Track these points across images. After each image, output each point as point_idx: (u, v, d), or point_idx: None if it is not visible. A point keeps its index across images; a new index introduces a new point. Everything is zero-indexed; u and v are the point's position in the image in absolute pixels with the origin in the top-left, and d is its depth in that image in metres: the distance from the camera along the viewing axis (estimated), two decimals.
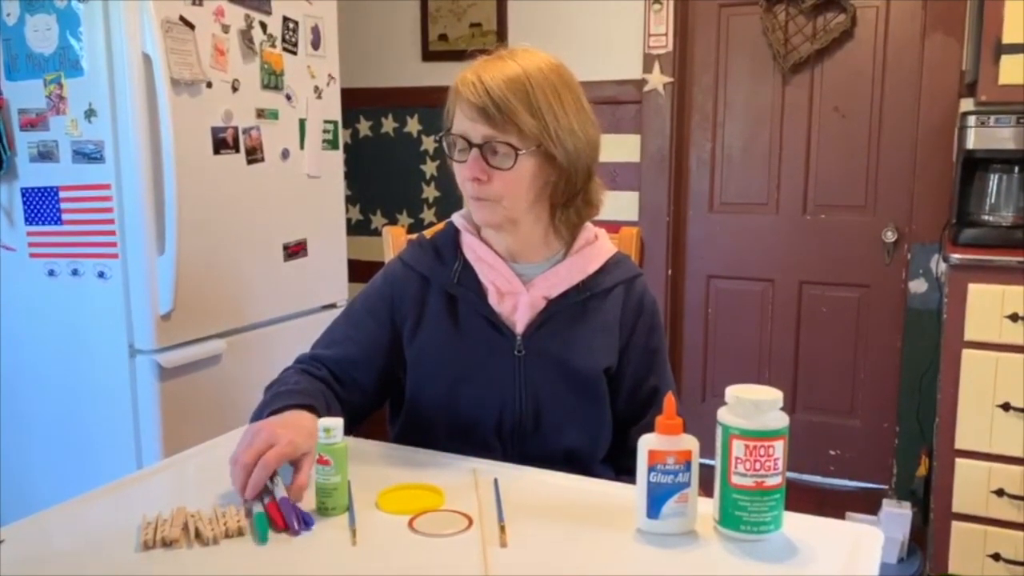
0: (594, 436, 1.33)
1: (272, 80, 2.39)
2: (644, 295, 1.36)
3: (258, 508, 1.01)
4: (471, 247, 1.33)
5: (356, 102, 3.33)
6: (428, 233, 1.42)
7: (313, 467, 1.07)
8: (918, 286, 2.85)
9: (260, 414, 1.19)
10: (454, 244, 1.35)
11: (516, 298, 1.29)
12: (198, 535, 0.97)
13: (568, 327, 1.30)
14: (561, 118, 1.22)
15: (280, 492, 1.03)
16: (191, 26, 2.12)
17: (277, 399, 1.19)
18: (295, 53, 2.47)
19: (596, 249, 1.34)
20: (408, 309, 1.33)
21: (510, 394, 1.29)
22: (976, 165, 2.48)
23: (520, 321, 1.29)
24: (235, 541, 0.97)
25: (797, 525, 1.01)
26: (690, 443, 0.98)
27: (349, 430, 1.25)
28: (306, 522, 1.00)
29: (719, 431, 0.97)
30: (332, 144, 2.66)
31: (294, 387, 1.23)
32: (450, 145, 1.26)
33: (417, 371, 1.32)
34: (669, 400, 0.99)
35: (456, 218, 1.38)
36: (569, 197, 1.29)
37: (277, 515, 1.00)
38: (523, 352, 1.28)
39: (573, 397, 1.30)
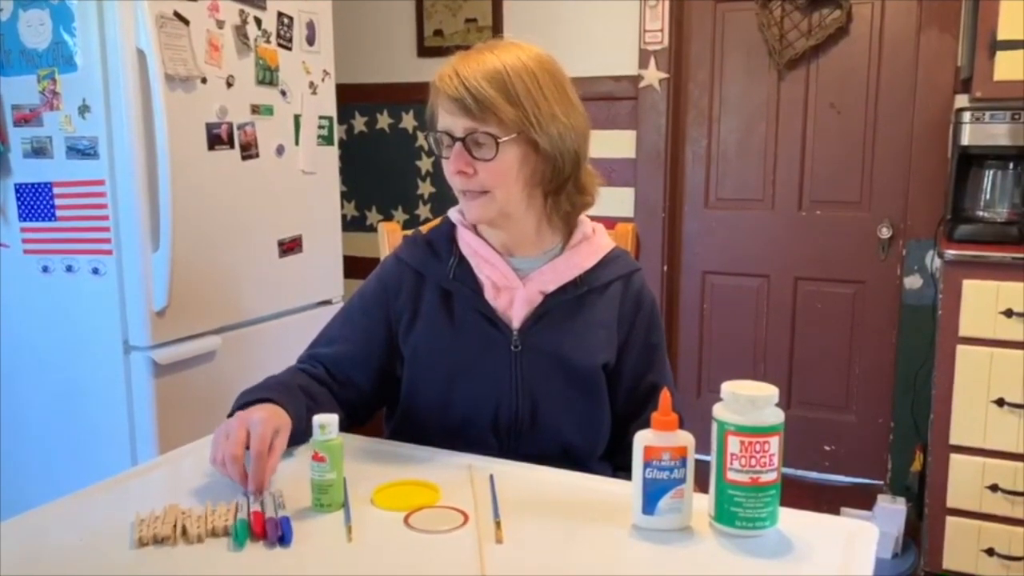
0: (592, 433, 1.33)
1: (267, 76, 2.39)
2: (642, 290, 1.36)
3: (243, 514, 1.00)
4: (467, 242, 1.32)
5: (351, 98, 3.33)
6: (424, 228, 1.42)
7: (285, 446, 1.09)
8: (913, 282, 2.85)
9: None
10: (449, 239, 1.34)
11: (512, 293, 1.29)
12: (185, 533, 0.97)
13: (565, 322, 1.29)
14: (542, 104, 1.21)
15: (280, 511, 1.02)
16: (185, 21, 2.12)
17: (239, 399, 1.21)
18: (290, 49, 2.47)
19: (593, 244, 1.34)
20: (403, 305, 1.32)
21: (506, 390, 1.28)
22: (971, 161, 2.49)
23: (516, 316, 1.28)
24: (226, 539, 0.97)
25: (792, 521, 1.01)
26: (685, 439, 0.99)
27: (349, 429, 1.26)
28: (283, 539, 0.96)
29: (715, 427, 0.97)
30: (327, 140, 2.66)
31: (259, 385, 1.24)
32: (437, 143, 1.26)
33: (413, 367, 1.32)
34: (664, 396, 0.99)
35: (452, 213, 1.37)
36: (559, 184, 1.28)
37: (259, 525, 0.98)
38: (519, 347, 1.28)
39: (570, 393, 1.30)
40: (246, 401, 1.18)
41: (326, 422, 1.05)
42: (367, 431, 1.33)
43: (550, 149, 1.23)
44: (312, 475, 1.04)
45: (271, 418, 1.11)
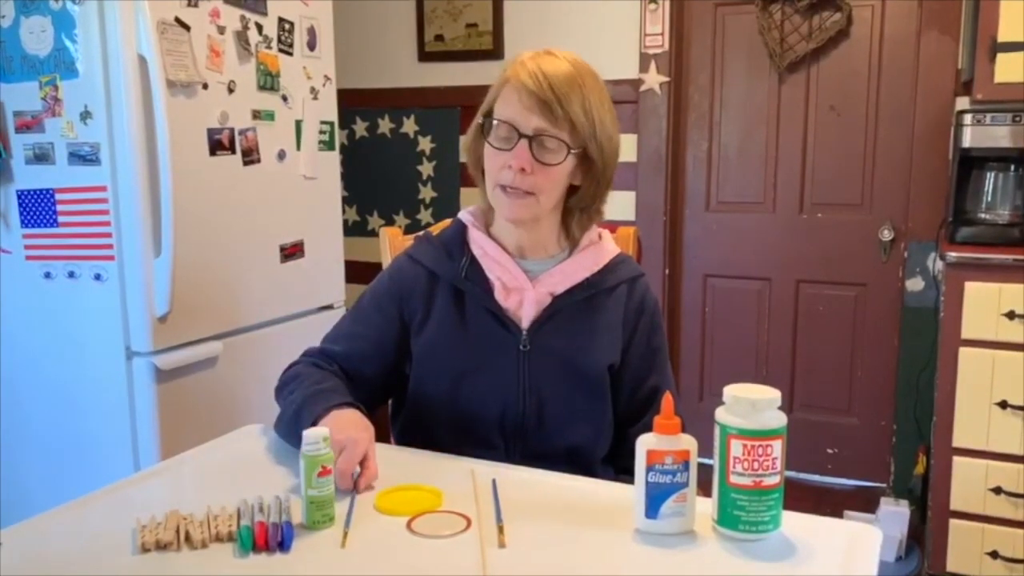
0: (596, 433, 1.34)
1: (268, 81, 2.39)
2: (646, 295, 1.38)
3: (246, 520, 1.00)
4: (478, 243, 1.34)
5: (352, 103, 3.33)
6: (433, 230, 1.43)
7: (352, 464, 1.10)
8: (915, 284, 2.85)
9: (298, 415, 1.19)
10: (461, 240, 1.36)
11: (522, 294, 1.30)
12: (189, 538, 0.97)
13: (573, 324, 1.31)
14: (605, 121, 1.25)
15: (285, 516, 1.02)
16: (186, 27, 2.12)
17: (319, 399, 1.20)
18: (291, 54, 2.47)
19: (600, 249, 1.36)
20: (416, 304, 1.33)
21: (514, 389, 1.29)
22: (972, 163, 2.49)
23: (526, 317, 1.30)
24: (229, 545, 0.97)
25: (795, 524, 1.01)
26: (688, 443, 0.98)
27: None
28: (283, 544, 0.96)
29: (717, 431, 0.97)
30: (328, 145, 2.66)
31: (327, 387, 1.24)
32: (490, 129, 1.25)
33: (423, 365, 1.33)
34: (667, 400, 0.99)
35: (463, 215, 1.39)
36: (589, 202, 1.31)
37: (261, 534, 0.97)
38: (528, 347, 1.29)
39: (576, 393, 1.31)
40: (327, 405, 1.19)
41: (325, 434, 1.04)
42: None
43: (600, 167, 1.26)
44: (311, 492, 1.01)
45: (358, 438, 1.13)
